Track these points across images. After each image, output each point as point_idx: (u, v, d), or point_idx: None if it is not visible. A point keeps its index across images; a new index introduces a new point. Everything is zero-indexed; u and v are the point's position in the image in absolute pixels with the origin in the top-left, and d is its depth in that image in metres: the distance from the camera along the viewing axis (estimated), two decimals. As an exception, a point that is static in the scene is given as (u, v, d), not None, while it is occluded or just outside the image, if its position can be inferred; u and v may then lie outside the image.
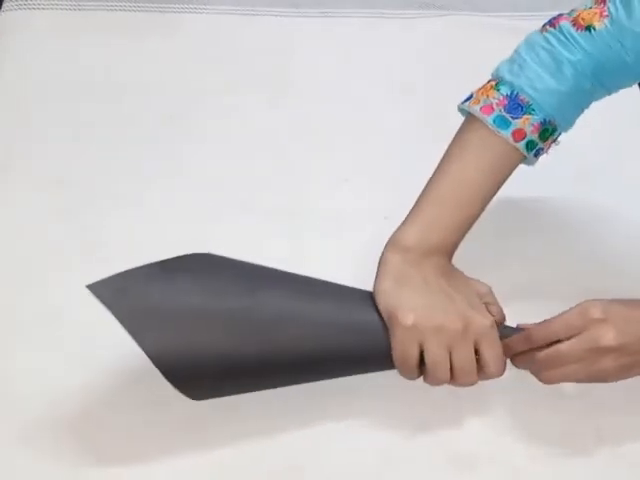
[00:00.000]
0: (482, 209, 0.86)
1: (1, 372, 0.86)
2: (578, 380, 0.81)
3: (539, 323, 0.82)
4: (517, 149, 0.84)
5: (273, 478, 0.81)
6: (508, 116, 0.83)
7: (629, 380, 0.81)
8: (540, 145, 0.85)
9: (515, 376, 0.85)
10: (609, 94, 0.87)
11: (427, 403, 0.86)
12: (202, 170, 1.07)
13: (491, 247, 0.96)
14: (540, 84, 0.83)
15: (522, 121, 0.83)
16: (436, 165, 0.85)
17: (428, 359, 0.79)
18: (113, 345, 0.89)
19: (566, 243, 1.00)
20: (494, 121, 0.83)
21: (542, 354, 0.80)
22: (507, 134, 0.83)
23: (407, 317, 0.78)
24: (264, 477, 0.81)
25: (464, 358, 0.80)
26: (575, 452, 0.84)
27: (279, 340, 0.79)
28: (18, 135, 1.09)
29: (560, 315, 0.80)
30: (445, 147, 0.86)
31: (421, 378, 0.82)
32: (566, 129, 0.87)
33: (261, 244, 0.98)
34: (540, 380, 0.82)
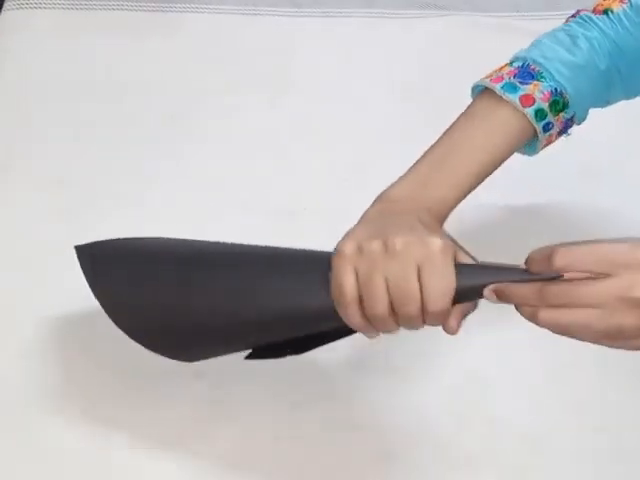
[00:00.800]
0: (479, 179, 0.80)
1: (1, 372, 0.86)
2: (584, 331, 0.66)
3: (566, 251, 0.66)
4: (525, 116, 0.81)
5: (274, 476, 0.82)
6: (517, 82, 0.81)
7: (631, 376, 0.81)
8: (550, 118, 0.82)
9: (515, 376, 0.85)
10: (627, 96, 0.86)
11: (427, 403, 0.86)
12: (203, 170, 1.07)
13: (492, 248, 0.96)
14: (552, 54, 0.82)
15: (531, 87, 0.81)
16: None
17: (359, 282, 0.70)
18: (114, 344, 0.89)
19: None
20: (502, 87, 0.81)
21: (555, 287, 0.65)
22: (515, 98, 0.81)
23: (345, 245, 0.71)
24: (264, 475, 0.82)
25: (398, 282, 0.69)
26: (575, 452, 0.84)
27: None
28: (18, 135, 1.09)
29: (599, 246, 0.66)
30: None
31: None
32: (579, 113, 0.84)
33: (261, 244, 0.98)
34: (534, 318, 0.67)
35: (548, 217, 1.02)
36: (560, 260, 0.65)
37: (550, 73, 0.82)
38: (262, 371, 0.87)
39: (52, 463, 0.81)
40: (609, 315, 0.64)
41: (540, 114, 0.81)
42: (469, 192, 0.79)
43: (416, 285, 0.68)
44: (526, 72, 0.82)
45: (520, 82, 0.81)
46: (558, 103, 0.82)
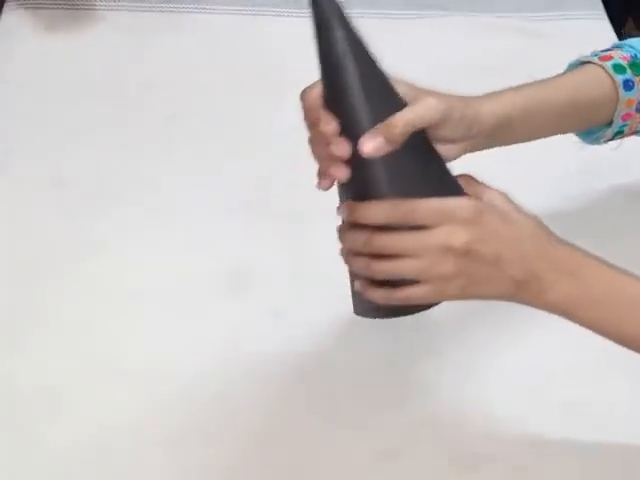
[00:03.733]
0: (525, 106, 0.79)
1: (1, 372, 0.86)
2: (415, 285, 0.68)
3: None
4: (604, 68, 0.82)
5: (274, 477, 0.81)
6: (598, 51, 0.84)
7: (632, 376, 0.81)
8: (630, 75, 0.83)
9: (516, 376, 0.85)
10: None
11: (428, 402, 0.86)
12: (203, 170, 1.07)
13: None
14: (634, 40, 0.85)
15: (611, 52, 0.83)
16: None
17: None
18: (113, 344, 0.89)
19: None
20: (582, 57, 0.84)
21: (384, 236, 0.68)
22: (594, 58, 0.83)
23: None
24: (266, 475, 0.81)
25: None
26: (575, 452, 0.84)
27: None
28: (18, 135, 1.09)
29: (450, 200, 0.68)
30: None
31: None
32: None
33: (261, 244, 0.98)
34: (367, 269, 0.69)
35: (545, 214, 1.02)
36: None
37: (630, 45, 0.84)
38: (261, 371, 0.87)
39: (52, 463, 0.80)
40: (430, 265, 0.67)
41: (619, 68, 0.81)
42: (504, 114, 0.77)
43: None
44: (607, 50, 0.85)
45: (601, 51, 0.84)
46: (639, 66, 0.82)
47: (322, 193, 1.04)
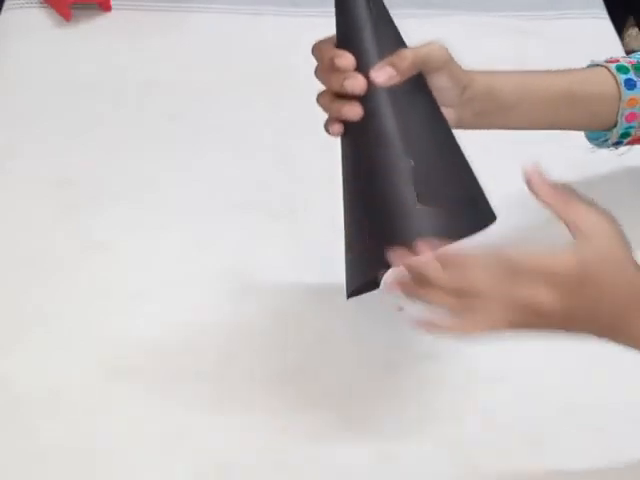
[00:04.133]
0: (517, 89, 0.81)
1: (1, 372, 0.86)
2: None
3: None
4: (607, 67, 0.83)
5: (273, 477, 0.81)
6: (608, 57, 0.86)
7: (630, 381, 0.80)
8: (632, 75, 0.84)
9: (515, 376, 0.85)
10: None
11: (427, 402, 0.86)
12: (203, 169, 1.07)
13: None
14: None
15: (619, 57, 0.85)
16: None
17: None
18: (113, 344, 0.89)
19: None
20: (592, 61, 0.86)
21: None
22: (601, 61, 0.85)
23: None
24: (265, 476, 0.82)
25: None
26: (575, 452, 0.83)
27: None
28: (18, 135, 1.09)
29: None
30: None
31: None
32: None
33: (261, 244, 0.98)
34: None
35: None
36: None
37: (636, 55, 0.85)
38: (261, 371, 0.87)
39: (52, 463, 0.80)
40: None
41: (622, 69, 0.82)
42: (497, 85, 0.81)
43: None
44: (616, 59, 0.86)
45: (609, 59, 0.85)
46: None
47: (322, 193, 1.04)
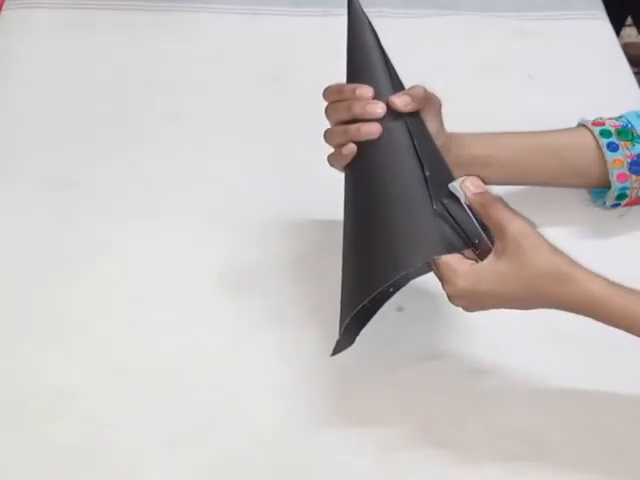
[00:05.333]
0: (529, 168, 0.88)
1: (1, 372, 0.86)
2: None
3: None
4: (590, 131, 0.87)
5: (273, 477, 0.81)
6: (596, 118, 0.89)
7: (632, 378, 0.80)
8: (615, 139, 0.87)
9: (515, 376, 0.85)
10: None
11: (427, 402, 0.86)
12: (204, 169, 1.07)
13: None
14: (632, 114, 0.90)
15: (605, 120, 0.88)
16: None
17: None
18: (114, 344, 0.89)
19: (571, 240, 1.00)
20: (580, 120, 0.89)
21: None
22: (588, 123, 0.88)
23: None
24: (265, 476, 0.82)
25: None
26: (575, 452, 0.84)
27: None
28: (18, 135, 1.09)
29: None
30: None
31: None
32: None
33: (261, 243, 0.98)
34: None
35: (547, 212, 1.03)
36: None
37: (625, 118, 0.89)
38: (261, 371, 0.88)
39: (53, 463, 0.81)
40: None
41: (605, 133, 0.85)
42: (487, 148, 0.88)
43: None
44: (602, 118, 0.90)
45: (594, 122, 0.89)
46: (627, 133, 0.87)
47: (322, 192, 1.04)
